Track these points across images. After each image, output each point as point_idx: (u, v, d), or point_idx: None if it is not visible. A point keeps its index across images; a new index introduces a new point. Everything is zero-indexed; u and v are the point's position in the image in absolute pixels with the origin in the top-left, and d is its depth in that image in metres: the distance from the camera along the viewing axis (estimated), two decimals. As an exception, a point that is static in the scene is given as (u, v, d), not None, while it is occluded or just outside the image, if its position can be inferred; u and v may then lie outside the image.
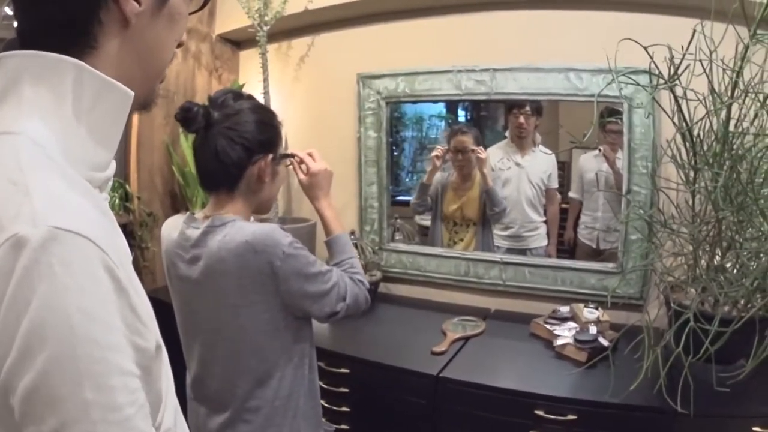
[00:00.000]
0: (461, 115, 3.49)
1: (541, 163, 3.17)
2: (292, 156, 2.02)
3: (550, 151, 3.16)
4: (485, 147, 3.22)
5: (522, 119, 3.10)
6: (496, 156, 3.25)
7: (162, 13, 0.91)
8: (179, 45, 1.00)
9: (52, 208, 0.72)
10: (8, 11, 3.25)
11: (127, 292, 0.75)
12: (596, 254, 3.01)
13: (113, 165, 0.95)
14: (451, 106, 3.46)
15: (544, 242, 3.18)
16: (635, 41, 2.02)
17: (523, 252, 3.16)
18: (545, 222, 3.19)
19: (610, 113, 2.73)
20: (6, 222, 0.69)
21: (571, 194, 3.16)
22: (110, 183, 0.97)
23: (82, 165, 0.84)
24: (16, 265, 0.67)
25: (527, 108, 3.08)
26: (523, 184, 3.17)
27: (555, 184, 3.17)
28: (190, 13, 1.00)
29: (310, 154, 2.04)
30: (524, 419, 2.17)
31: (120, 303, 0.74)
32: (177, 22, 0.95)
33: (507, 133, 3.23)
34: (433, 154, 3.28)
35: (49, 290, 0.67)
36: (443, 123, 3.52)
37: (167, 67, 0.99)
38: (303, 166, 2.03)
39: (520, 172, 3.18)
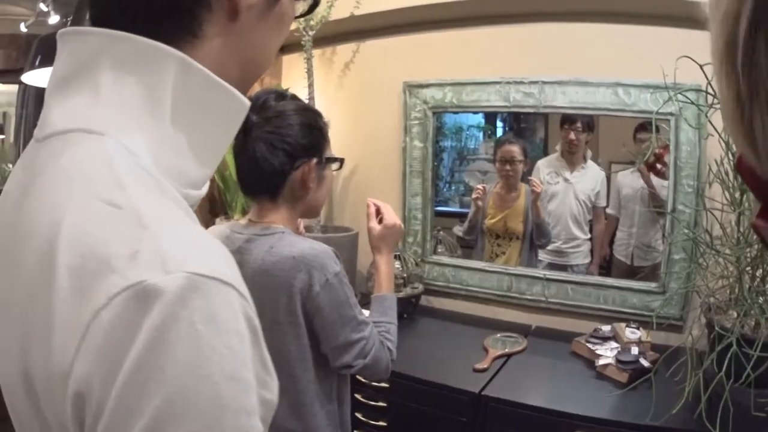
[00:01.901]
0: (500, 126, 3.60)
1: (589, 180, 3.24)
2: (342, 160, 1.95)
3: (600, 168, 3.23)
4: (531, 159, 3.31)
5: (573, 135, 3.17)
6: (545, 169, 3.33)
7: (273, 12, 0.81)
8: None
9: (181, 246, 0.61)
10: (43, 7, 3.39)
11: (261, 343, 0.65)
12: (631, 271, 3.07)
13: (207, 184, 0.83)
14: (490, 117, 3.56)
15: (587, 259, 3.25)
16: (692, 59, 2.06)
17: (564, 268, 3.24)
18: (590, 240, 3.26)
19: (643, 129, 2.79)
20: (118, 263, 0.57)
21: (608, 210, 3.24)
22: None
23: (176, 180, 0.71)
24: (144, 323, 0.55)
25: (578, 124, 3.14)
26: (569, 200, 3.25)
27: (603, 203, 3.23)
28: (295, 18, 0.90)
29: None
30: (564, 440, 2.24)
31: (254, 356, 0.63)
32: (284, 25, 0.86)
33: (557, 147, 3.30)
34: (474, 196, 3.41)
35: (191, 355, 0.56)
36: (482, 134, 3.63)
37: (265, 71, 0.89)
38: (377, 216, 2.00)
39: (567, 188, 3.26)
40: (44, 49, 2.22)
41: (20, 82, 4.41)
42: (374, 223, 1.99)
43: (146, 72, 0.69)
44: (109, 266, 0.57)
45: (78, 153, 0.67)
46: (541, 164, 3.36)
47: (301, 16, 0.94)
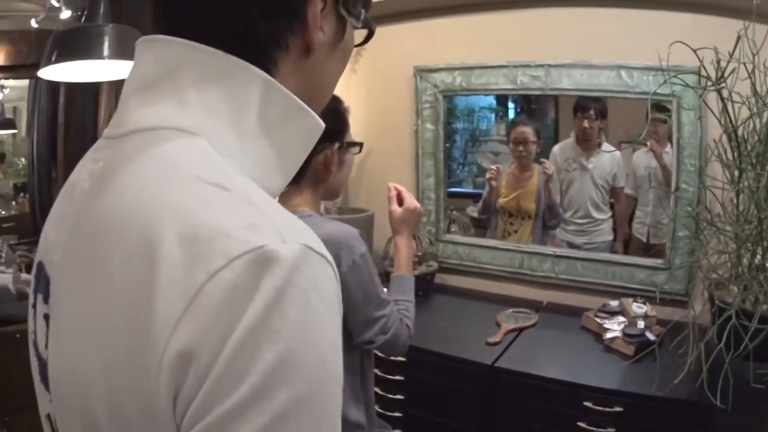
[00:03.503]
0: (511, 107, 3.70)
1: (605, 164, 3.33)
2: (361, 144, 2.01)
3: (613, 148, 3.32)
4: (543, 140, 3.41)
5: (586, 123, 3.24)
6: (561, 155, 3.42)
7: (339, 47, 0.84)
8: None
9: (291, 224, 0.65)
10: (54, 2, 3.43)
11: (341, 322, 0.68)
12: (646, 248, 3.17)
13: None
14: (502, 98, 3.66)
15: (610, 237, 3.35)
16: (685, 44, 2.18)
17: (585, 246, 3.35)
18: (611, 218, 3.36)
19: (656, 109, 2.85)
20: (237, 231, 0.60)
21: (626, 190, 3.33)
22: None
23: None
24: (263, 283, 0.58)
25: (591, 112, 3.21)
26: (587, 186, 3.35)
27: (621, 183, 3.32)
28: (355, 46, 0.92)
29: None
30: (573, 410, 2.34)
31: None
32: (347, 56, 0.89)
33: (572, 134, 3.38)
34: (488, 176, 3.51)
35: (303, 319, 0.59)
36: (494, 115, 3.72)
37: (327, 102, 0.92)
38: (396, 199, 2.07)
39: (584, 174, 3.35)
40: (60, 45, 2.24)
41: (32, 77, 4.49)
42: (395, 206, 2.06)
43: (233, 87, 0.72)
44: (227, 233, 0.59)
45: (173, 146, 0.69)
46: (557, 150, 3.45)
47: (360, 45, 0.95)
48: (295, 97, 0.77)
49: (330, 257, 0.65)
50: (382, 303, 1.85)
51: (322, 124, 0.82)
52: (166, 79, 0.72)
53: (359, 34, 0.92)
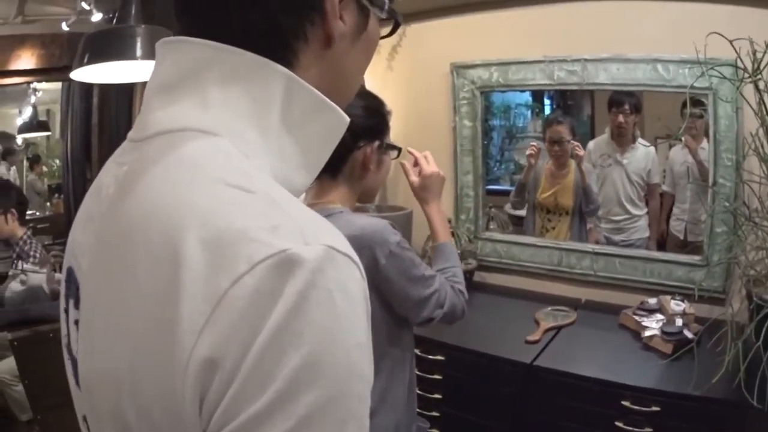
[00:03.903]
0: (547, 104, 3.69)
1: (640, 159, 3.30)
2: (400, 149, 1.98)
3: (648, 143, 3.30)
4: (579, 136, 3.39)
5: (621, 118, 3.23)
6: (596, 151, 3.41)
7: (362, 37, 0.84)
8: None
9: (315, 223, 0.66)
10: (85, 6, 3.45)
11: (370, 319, 0.68)
12: (684, 245, 3.15)
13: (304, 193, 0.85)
14: (538, 95, 3.66)
15: (646, 234, 3.33)
16: (721, 35, 2.16)
17: (622, 243, 3.33)
18: (647, 214, 3.34)
19: (692, 104, 2.81)
20: (259, 234, 0.60)
21: (663, 187, 3.31)
22: None
23: (282, 185, 0.72)
24: (286, 288, 0.58)
25: (626, 107, 3.20)
26: (623, 181, 3.33)
27: (656, 179, 3.30)
28: (381, 38, 0.92)
29: (425, 156, 2.07)
30: (610, 409, 2.34)
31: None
32: (372, 47, 0.88)
33: (606, 130, 3.36)
34: (528, 152, 3.49)
35: (328, 321, 0.60)
36: (530, 112, 3.72)
37: (354, 95, 0.92)
38: (416, 168, 2.06)
39: (620, 170, 3.33)
40: (93, 47, 2.25)
41: (65, 80, 4.57)
42: (413, 177, 2.06)
43: (255, 85, 0.73)
44: (249, 237, 0.60)
45: (195, 148, 0.69)
46: (592, 146, 3.44)
47: (386, 36, 0.95)
48: (318, 92, 0.77)
49: (355, 257, 0.66)
50: (428, 280, 1.83)
51: (347, 118, 0.82)
52: (187, 80, 0.73)
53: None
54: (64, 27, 3.83)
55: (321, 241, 0.61)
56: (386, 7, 0.86)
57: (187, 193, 0.65)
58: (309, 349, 0.58)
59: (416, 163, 2.07)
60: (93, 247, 0.76)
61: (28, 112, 5.36)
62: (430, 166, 2.05)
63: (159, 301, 0.61)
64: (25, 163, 5.68)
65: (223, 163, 0.68)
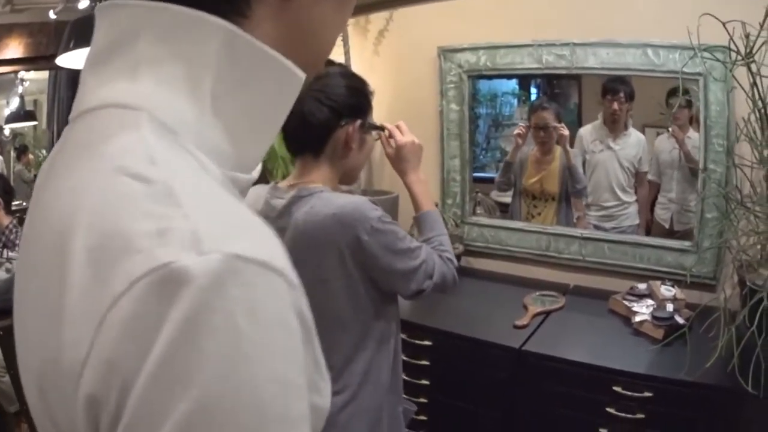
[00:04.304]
0: (534, 92, 3.66)
1: (632, 146, 3.30)
2: (382, 128, 1.98)
3: (640, 132, 3.30)
4: (566, 124, 3.37)
5: (616, 105, 3.21)
6: (588, 137, 3.40)
7: None
8: None
9: (220, 224, 0.52)
10: None
11: (315, 341, 0.58)
12: (669, 234, 3.15)
13: (259, 167, 0.76)
14: (524, 83, 3.62)
15: (636, 221, 3.32)
16: (714, 16, 2.14)
17: (612, 230, 3.32)
18: (636, 202, 3.33)
19: (677, 92, 2.78)
20: (143, 242, 0.48)
21: (649, 176, 3.31)
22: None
23: (221, 162, 0.62)
24: (170, 313, 0.46)
25: (621, 94, 3.18)
26: (614, 167, 3.32)
27: (645, 168, 3.30)
28: None
29: (397, 127, 2.01)
30: (602, 395, 2.34)
31: (306, 357, 0.54)
32: (347, 3, 0.75)
33: (599, 116, 3.34)
34: (515, 132, 3.45)
35: (228, 354, 0.47)
36: (516, 100, 3.70)
37: (327, 57, 0.80)
38: (391, 140, 2.00)
39: (611, 156, 3.32)
40: (78, 32, 2.23)
41: (52, 68, 4.54)
42: (389, 149, 2.01)
43: (188, 44, 0.61)
44: (133, 246, 0.48)
45: (107, 128, 0.58)
46: (584, 132, 3.42)
47: None
48: (266, 47, 0.65)
49: (280, 265, 0.52)
50: (414, 251, 1.80)
51: (301, 74, 0.69)
52: (116, 49, 0.63)
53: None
54: (52, 15, 3.80)
55: (221, 248, 0.48)
56: None
57: (81, 186, 0.55)
58: (202, 390, 0.45)
59: (391, 136, 2.02)
60: (22, 242, 0.68)
61: (15, 103, 5.32)
62: (404, 136, 2.00)
63: (50, 322, 0.52)
64: (12, 154, 5.63)
65: (131, 145, 0.55)
